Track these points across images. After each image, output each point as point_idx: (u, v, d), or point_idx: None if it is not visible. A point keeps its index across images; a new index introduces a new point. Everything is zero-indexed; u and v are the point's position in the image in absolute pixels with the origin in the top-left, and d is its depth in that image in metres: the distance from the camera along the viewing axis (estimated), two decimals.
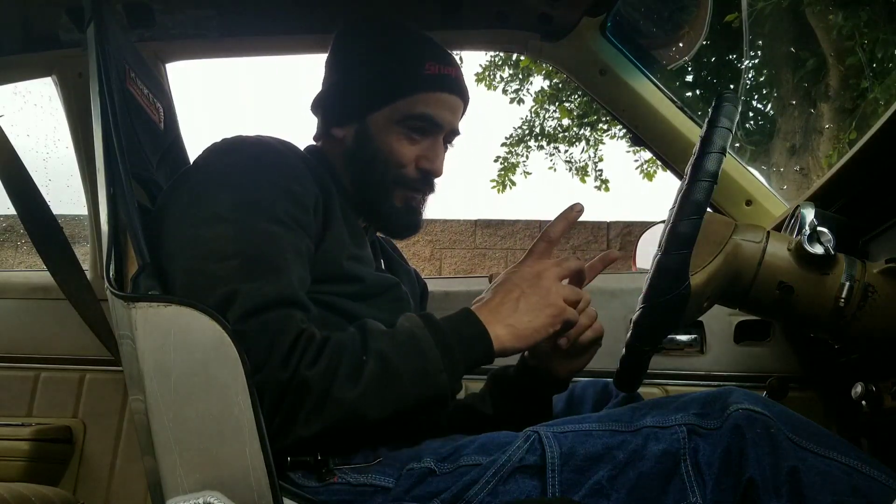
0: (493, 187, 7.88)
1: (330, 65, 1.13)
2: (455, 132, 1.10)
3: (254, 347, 0.77)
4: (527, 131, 8.15)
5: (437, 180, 1.10)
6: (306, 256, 0.90)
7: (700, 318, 1.44)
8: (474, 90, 8.14)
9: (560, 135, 8.12)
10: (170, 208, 0.91)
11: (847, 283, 0.84)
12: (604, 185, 8.00)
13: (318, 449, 0.81)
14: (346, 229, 0.98)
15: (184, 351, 0.76)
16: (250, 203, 0.88)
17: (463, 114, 1.13)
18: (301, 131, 1.28)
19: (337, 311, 0.93)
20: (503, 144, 8.09)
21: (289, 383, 0.78)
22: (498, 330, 0.87)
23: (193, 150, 1.06)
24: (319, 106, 1.13)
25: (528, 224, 5.07)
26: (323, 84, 1.13)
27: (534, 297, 0.88)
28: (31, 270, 2.00)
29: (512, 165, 7.98)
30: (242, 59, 1.59)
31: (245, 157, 0.93)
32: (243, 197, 0.88)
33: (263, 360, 0.78)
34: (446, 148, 1.11)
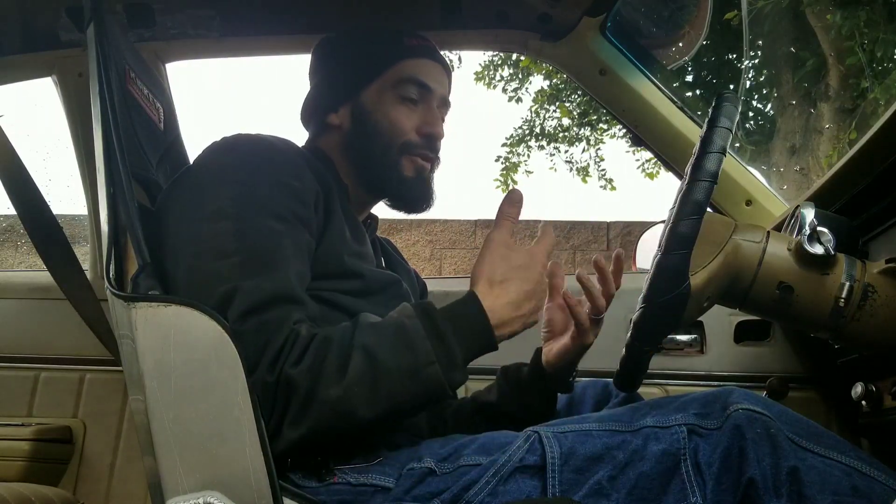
0: (497, 187, 7.89)
1: (311, 71, 1.18)
2: (446, 102, 1.13)
3: (249, 349, 0.78)
4: (527, 131, 8.15)
5: (440, 146, 1.11)
6: (306, 252, 0.90)
7: (700, 318, 1.44)
8: (474, 90, 8.15)
9: (560, 135, 8.11)
10: (170, 207, 0.91)
11: (847, 283, 0.84)
12: (609, 185, 7.99)
13: (315, 452, 0.80)
14: (346, 226, 0.98)
15: (184, 351, 0.76)
16: (250, 199, 0.88)
17: (449, 88, 1.16)
18: (301, 132, 1.29)
19: (338, 308, 0.93)
20: (504, 145, 8.10)
21: (276, 385, 0.78)
22: (496, 310, 0.84)
23: (193, 150, 1.06)
24: (308, 107, 1.15)
25: (528, 224, 5.07)
26: (308, 91, 1.17)
27: (527, 286, 0.86)
28: (31, 270, 2.00)
29: (513, 165, 7.99)
30: (242, 59, 1.59)
31: (244, 154, 0.93)
32: (243, 194, 0.88)
33: (255, 363, 0.78)
34: (442, 119, 1.13)
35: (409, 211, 1.15)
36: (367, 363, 0.78)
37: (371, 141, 1.07)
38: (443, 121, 1.13)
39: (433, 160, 1.11)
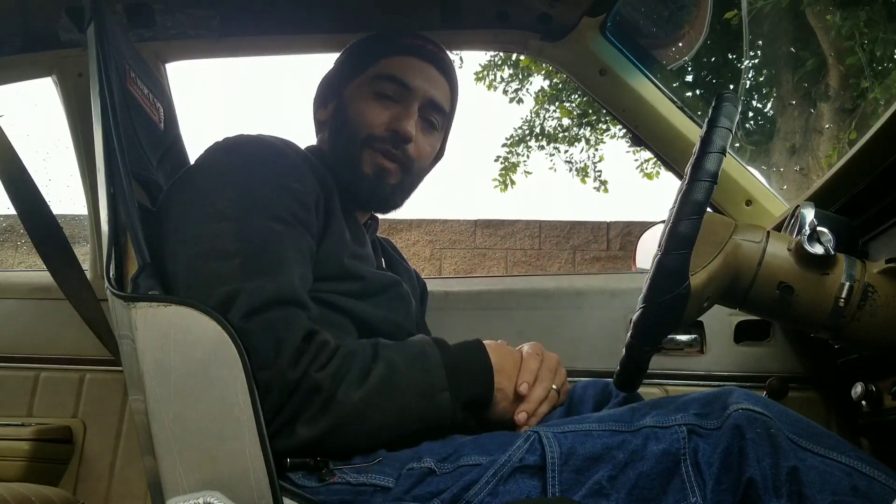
0: (496, 186, 7.90)
1: None
2: (435, 105, 1.09)
3: (258, 346, 0.78)
4: (527, 131, 8.15)
5: (411, 150, 1.05)
6: (308, 254, 0.90)
7: (700, 318, 1.44)
8: (474, 90, 8.16)
9: (560, 135, 8.12)
10: (172, 207, 0.91)
11: (847, 283, 0.84)
12: (603, 186, 8.01)
13: (317, 452, 0.81)
14: (346, 227, 0.98)
15: (184, 351, 0.76)
16: (252, 200, 0.88)
17: (452, 98, 1.13)
18: (303, 133, 1.29)
19: (338, 310, 0.93)
20: (504, 145, 8.10)
21: (298, 384, 0.78)
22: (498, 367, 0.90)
23: (193, 150, 1.06)
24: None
25: (528, 224, 5.07)
26: None
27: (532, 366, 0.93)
28: (31, 270, 2.00)
29: (513, 165, 7.99)
30: (242, 59, 1.59)
31: (246, 154, 0.93)
32: (244, 194, 0.88)
33: (269, 359, 0.78)
34: (430, 126, 1.09)
35: (367, 209, 1.13)
36: (389, 372, 0.83)
37: (339, 134, 1.07)
38: (431, 124, 1.09)
39: (399, 161, 1.05)
